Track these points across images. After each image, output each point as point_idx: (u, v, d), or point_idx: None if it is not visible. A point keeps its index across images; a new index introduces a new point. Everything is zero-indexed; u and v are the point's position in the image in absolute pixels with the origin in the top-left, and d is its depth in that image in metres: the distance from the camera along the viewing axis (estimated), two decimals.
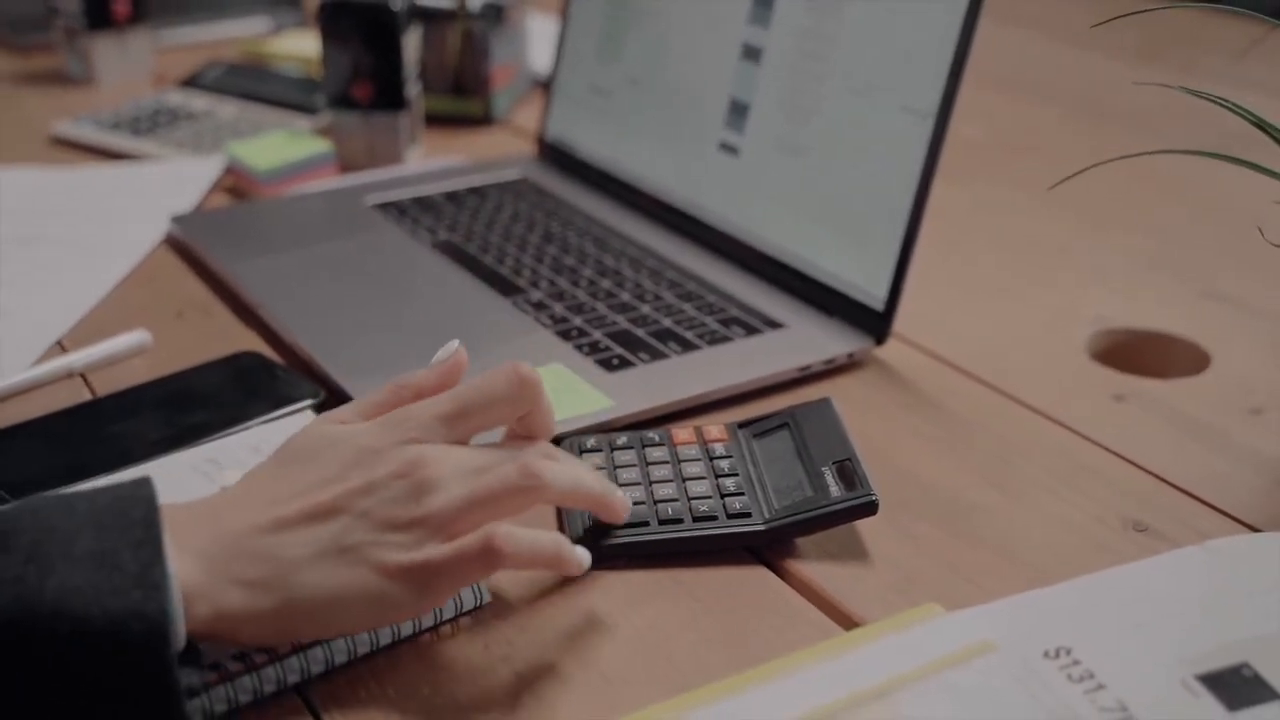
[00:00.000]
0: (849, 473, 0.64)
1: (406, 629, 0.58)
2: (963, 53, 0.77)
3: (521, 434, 0.61)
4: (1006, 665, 0.54)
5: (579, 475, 0.59)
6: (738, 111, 0.93)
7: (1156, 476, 0.72)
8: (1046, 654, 0.54)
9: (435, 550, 0.53)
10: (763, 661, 0.56)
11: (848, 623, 0.60)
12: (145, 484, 0.51)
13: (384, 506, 0.53)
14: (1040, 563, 0.64)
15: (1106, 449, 0.74)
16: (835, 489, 0.64)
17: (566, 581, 0.62)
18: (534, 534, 0.55)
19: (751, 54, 0.92)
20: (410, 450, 0.55)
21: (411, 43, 1.11)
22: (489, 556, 0.53)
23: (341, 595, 0.52)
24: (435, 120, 1.23)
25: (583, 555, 0.57)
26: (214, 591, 0.51)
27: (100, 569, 0.47)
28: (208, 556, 0.51)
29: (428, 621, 0.58)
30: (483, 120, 1.25)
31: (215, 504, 0.55)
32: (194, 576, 0.50)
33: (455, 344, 0.61)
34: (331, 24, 1.09)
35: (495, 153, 1.17)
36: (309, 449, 0.56)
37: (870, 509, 0.63)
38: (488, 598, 0.60)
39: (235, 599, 0.51)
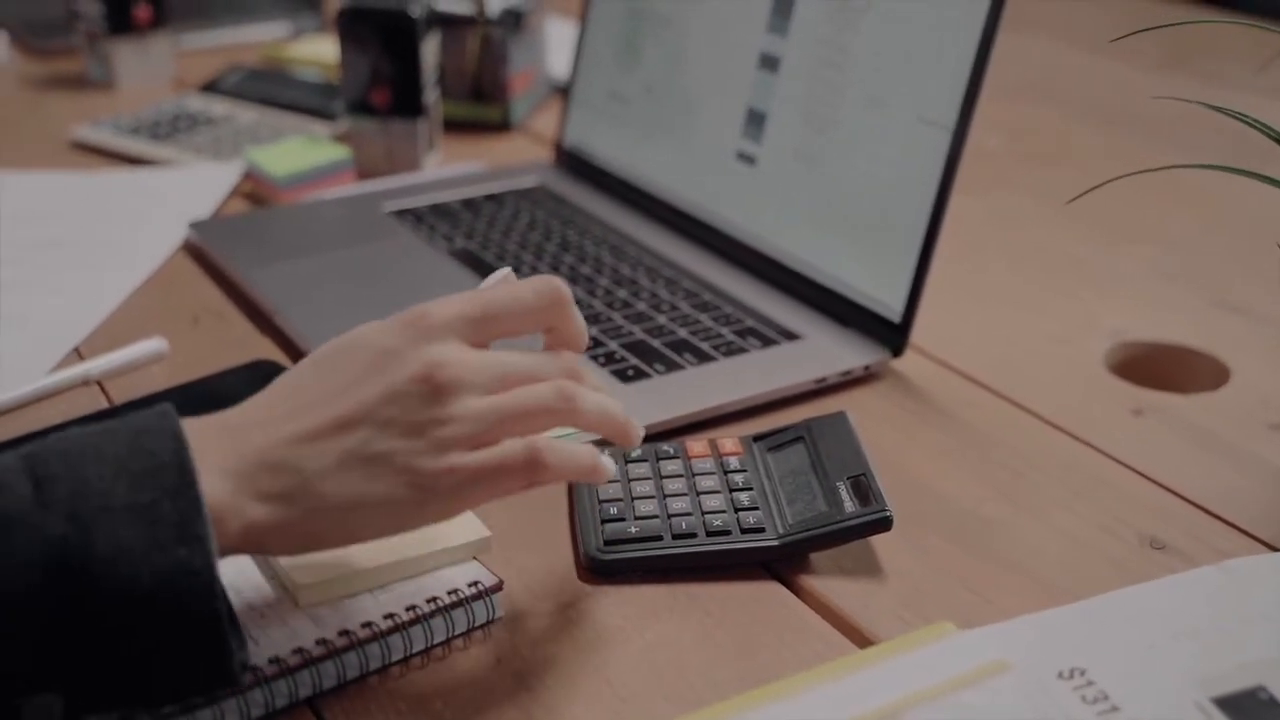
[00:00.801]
0: (864, 488, 0.64)
1: (419, 643, 0.58)
2: (981, 64, 0.77)
3: (552, 348, 0.59)
4: (1020, 686, 0.54)
5: (606, 403, 0.57)
6: (755, 121, 0.93)
7: (1174, 492, 0.71)
8: (1060, 674, 0.54)
9: (470, 457, 0.53)
10: (775, 678, 0.56)
11: (860, 639, 0.60)
12: (168, 415, 0.51)
13: (407, 412, 0.52)
14: (1055, 579, 0.64)
15: (1123, 464, 0.74)
16: (850, 504, 0.63)
17: (579, 596, 0.62)
18: (573, 446, 0.55)
19: (769, 63, 0.92)
20: (431, 351, 0.53)
21: (430, 49, 1.11)
22: (532, 467, 0.53)
23: (368, 503, 0.52)
24: (453, 126, 1.23)
25: (609, 463, 0.57)
26: (241, 507, 0.51)
27: (141, 523, 0.47)
28: (233, 474, 0.51)
29: (440, 635, 0.58)
30: (501, 126, 1.25)
31: (236, 419, 0.54)
32: (220, 495, 0.50)
33: (506, 270, 0.60)
34: (350, 30, 1.09)
35: (513, 159, 1.17)
36: (327, 356, 0.55)
37: (885, 525, 0.63)
38: (499, 612, 0.60)
39: (261, 513, 0.51)
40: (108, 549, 0.47)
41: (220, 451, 0.51)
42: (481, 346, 0.56)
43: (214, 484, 0.50)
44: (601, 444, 0.63)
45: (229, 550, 0.50)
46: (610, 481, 0.66)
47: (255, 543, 0.52)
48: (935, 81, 0.79)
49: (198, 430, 0.51)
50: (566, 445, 0.55)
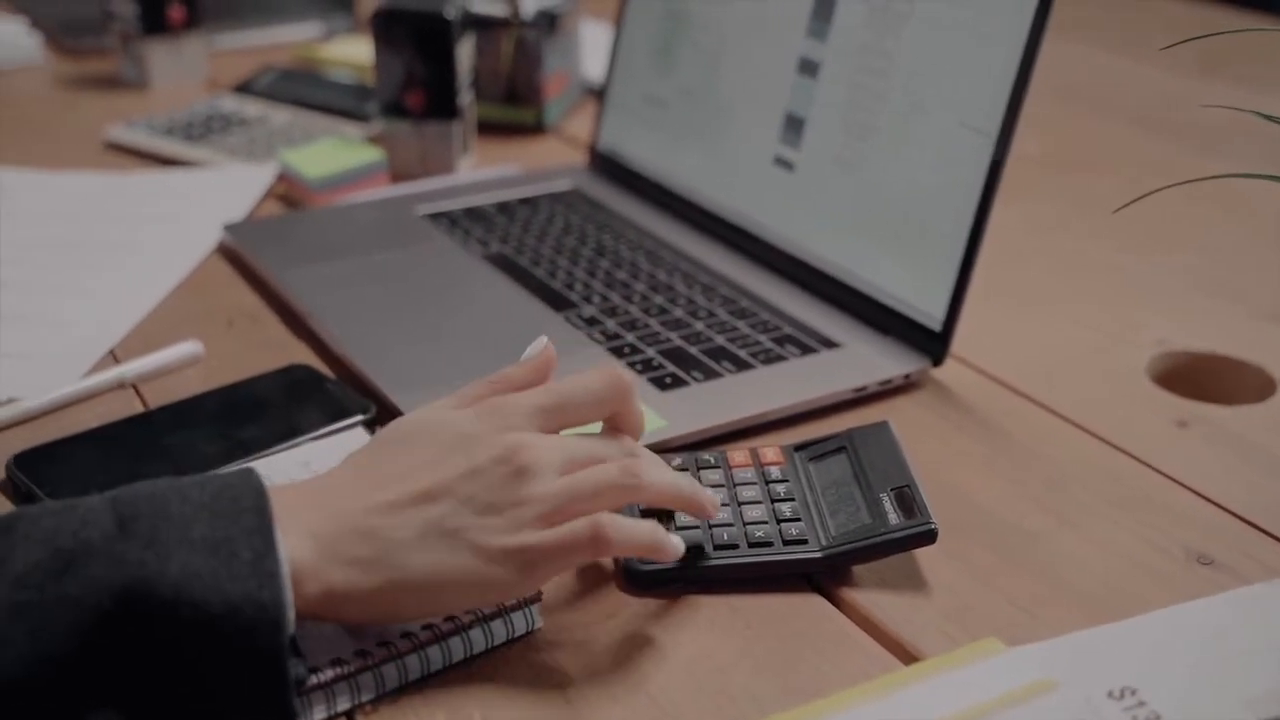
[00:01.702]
0: (908, 500, 0.63)
1: (458, 654, 0.57)
2: (1026, 70, 0.76)
3: (614, 428, 0.63)
4: (1068, 705, 0.53)
5: (674, 477, 0.60)
6: (793, 126, 0.92)
7: (1221, 507, 0.70)
8: (1111, 694, 0.53)
9: (540, 535, 0.55)
10: (818, 693, 0.55)
11: (904, 655, 0.59)
12: (252, 473, 0.53)
13: (487, 491, 0.55)
14: (1100, 594, 0.63)
15: (1169, 477, 0.73)
16: (894, 517, 0.63)
17: (619, 608, 0.61)
18: (634, 522, 0.58)
19: (809, 68, 0.91)
20: (510, 437, 0.57)
21: (465, 51, 1.10)
22: (597, 543, 0.56)
23: (445, 576, 0.54)
24: (486, 128, 1.22)
25: (678, 543, 0.59)
26: (322, 571, 0.53)
27: (216, 555, 0.49)
28: (316, 537, 0.53)
29: (479, 647, 0.58)
30: (534, 129, 1.25)
31: (321, 486, 0.57)
32: (303, 556, 0.52)
33: (544, 340, 0.63)
34: (385, 32, 1.09)
35: (546, 162, 1.16)
36: (409, 434, 0.59)
37: (929, 538, 0.62)
38: (539, 623, 0.59)
39: (342, 578, 0.53)
40: (181, 574, 0.49)
41: (304, 514, 0.54)
42: (552, 433, 0.60)
43: (299, 544, 0.52)
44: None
45: (307, 614, 0.52)
46: None
47: (334, 608, 0.54)
48: (978, 87, 0.78)
49: (287, 493, 0.55)
50: (629, 522, 0.57)
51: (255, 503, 0.52)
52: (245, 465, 0.55)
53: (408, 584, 0.54)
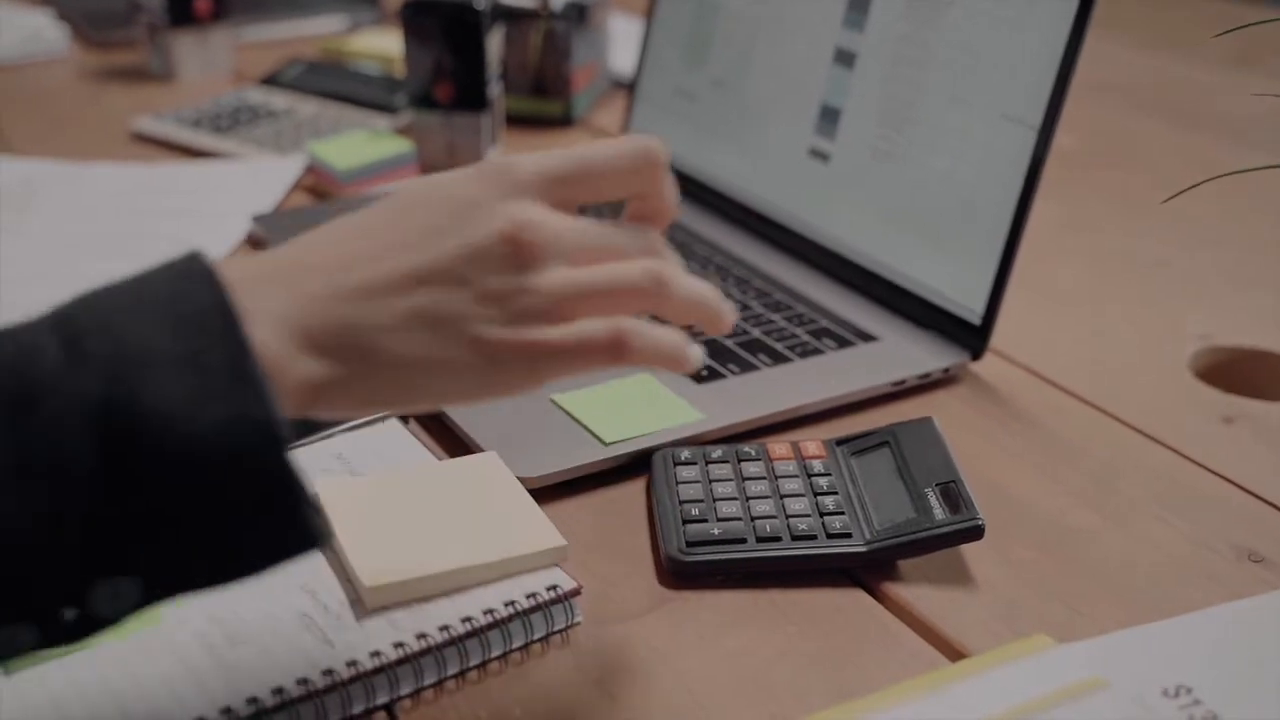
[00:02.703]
0: (954, 495, 0.62)
1: (497, 648, 0.56)
2: (1070, 60, 0.75)
3: (640, 216, 0.54)
4: (1121, 703, 0.52)
5: (700, 285, 0.52)
6: (829, 117, 0.91)
7: (1270, 504, 0.69)
8: (1165, 692, 0.52)
9: (549, 332, 0.48)
10: (863, 690, 0.54)
11: (950, 651, 0.58)
12: (197, 258, 0.45)
13: (487, 274, 0.47)
14: (1148, 591, 0.62)
15: (1216, 473, 0.71)
16: (939, 512, 0.62)
17: (660, 602, 0.60)
18: (662, 332, 0.50)
19: (845, 59, 0.90)
20: (514, 208, 0.48)
21: (494, 42, 1.09)
22: (616, 348, 0.49)
23: (431, 367, 0.47)
24: (514, 120, 1.22)
25: (698, 351, 0.52)
26: (294, 364, 0.45)
27: (188, 374, 0.42)
28: (285, 323, 0.45)
29: (518, 641, 0.57)
30: (562, 121, 1.24)
31: (289, 260, 0.48)
32: (272, 347, 0.45)
33: (650, 141, 0.53)
34: (414, 23, 1.08)
35: None
36: (400, 201, 0.50)
37: (976, 533, 0.61)
38: (579, 617, 0.58)
39: (316, 370, 0.46)
40: (157, 406, 0.41)
41: (270, 297, 0.46)
42: (565, 209, 0.51)
43: (264, 334, 0.44)
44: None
45: (284, 409, 0.44)
46: (690, 482, 0.65)
47: (310, 401, 0.46)
48: (1020, 78, 0.77)
49: (242, 271, 0.46)
50: (654, 328, 0.50)
51: (215, 299, 0.44)
52: (192, 252, 0.46)
53: (389, 374, 0.47)
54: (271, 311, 0.45)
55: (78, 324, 0.43)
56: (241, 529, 0.43)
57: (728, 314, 0.53)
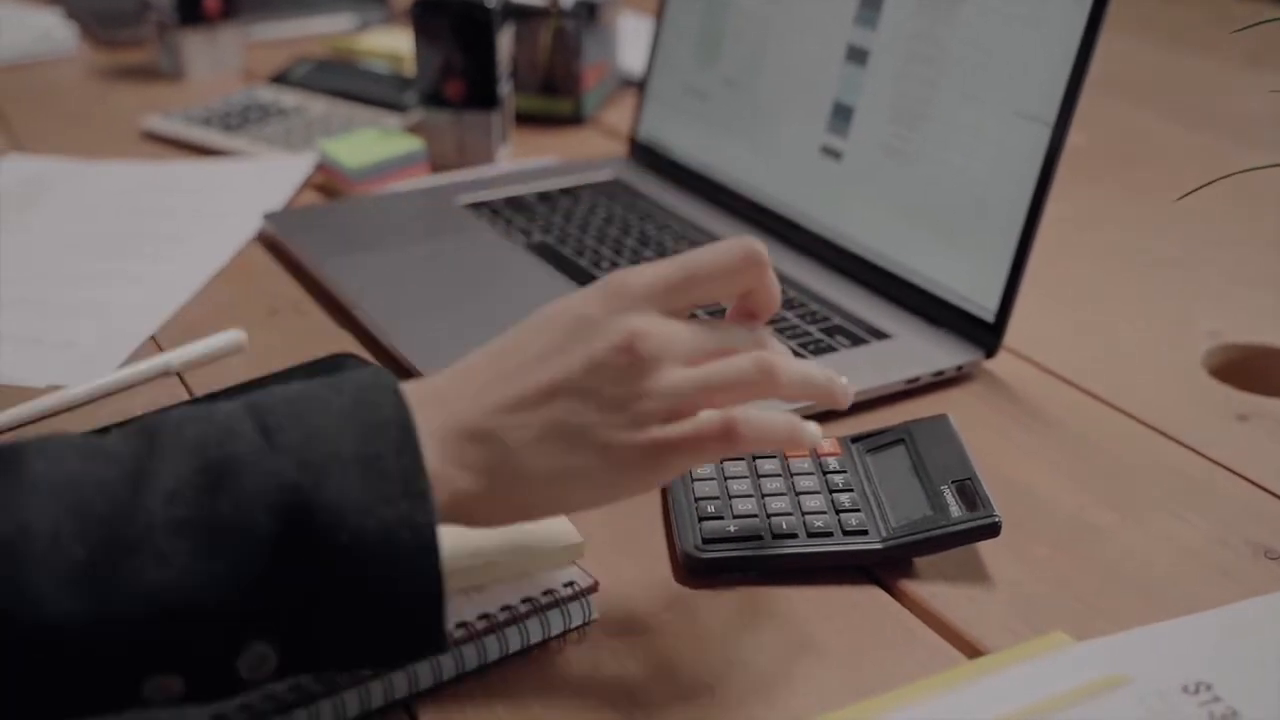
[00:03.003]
0: (970, 492, 0.62)
1: (514, 644, 0.56)
2: (1085, 56, 0.75)
3: (744, 310, 0.58)
4: (1142, 700, 0.52)
5: (807, 370, 0.56)
6: (841, 115, 0.91)
7: None
8: (1185, 689, 0.52)
9: (668, 430, 0.52)
10: (882, 687, 0.54)
11: (968, 649, 0.58)
12: (382, 373, 0.51)
13: (608, 384, 0.52)
14: (1165, 588, 0.62)
15: (1232, 471, 0.71)
16: (956, 509, 0.61)
17: (676, 599, 0.60)
18: (770, 417, 0.54)
19: (857, 56, 0.89)
20: (630, 321, 0.53)
21: (504, 41, 1.09)
22: (729, 438, 0.52)
23: (568, 476, 0.52)
24: (522, 119, 1.22)
25: (815, 430, 0.56)
26: (449, 475, 0.50)
27: (368, 475, 0.48)
28: (441, 441, 0.51)
29: (535, 637, 0.57)
30: (572, 119, 1.24)
31: (442, 386, 0.54)
32: (432, 462, 0.50)
33: (749, 241, 0.56)
34: (424, 21, 1.08)
35: (584, 152, 1.15)
36: (529, 325, 0.55)
37: (993, 531, 0.61)
38: (596, 614, 0.58)
39: (466, 482, 0.51)
40: (336, 498, 0.47)
41: (432, 414, 0.51)
42: (679, 314, 0.55)
43: (426, 450, 0.49)
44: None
45: (440, 519, 0.49)
46: (706, 479, 0.65)
47: (464, 513, 0.51)
48: (1034, 74, 0.77)
49: (415, 391, 0.51)
50: (763, 415, 0.53)
51: (396, 412, 0.49)
52: (378, 368, 0.52)
53: (531, 486, 0.52)
54: (433, 432, 0.51)
55: (274, 415, 0.49)
56: (383, 624, 0.48)
57: (841, 390, 0.57)
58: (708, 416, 0.53)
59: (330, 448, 0.48)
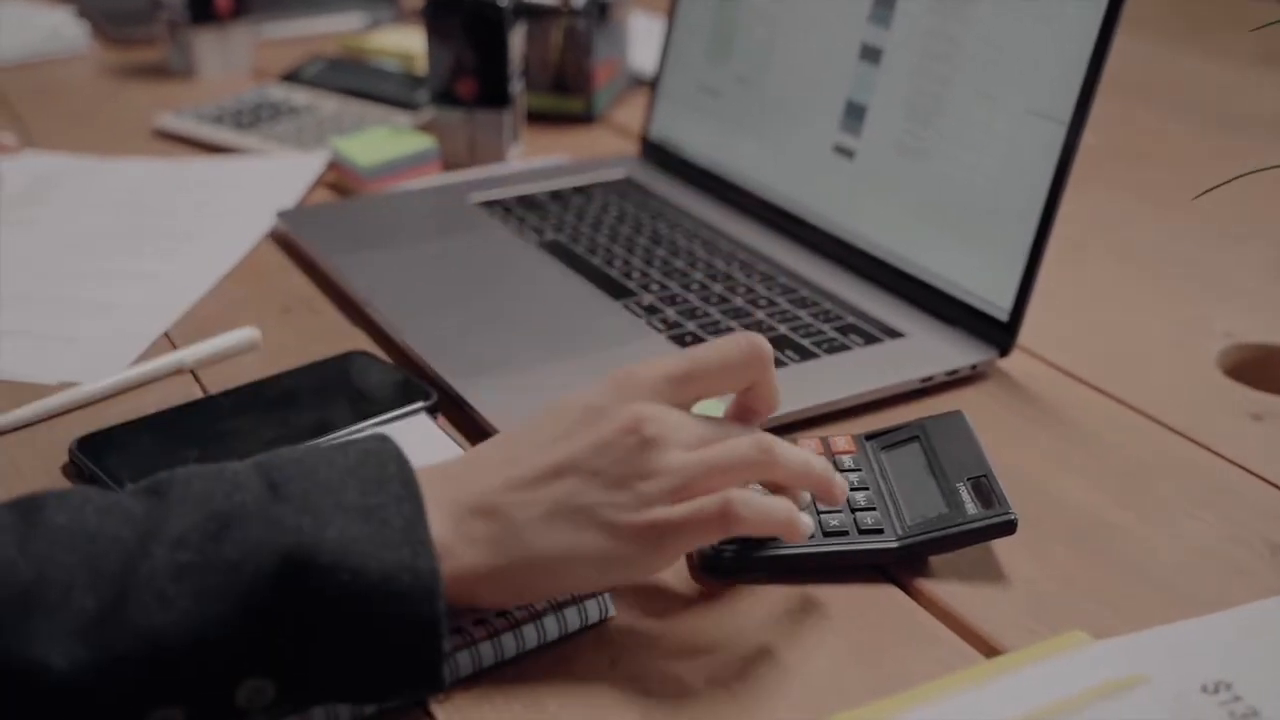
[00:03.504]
0: (985, 490, 0.62)
1: (531, 641, 0.56)
2: (1101, 53, 0.75)
3: (745, 406, 0.60)
4: (1161, 699, 0.51)
5: (807, 455, 0.58)
6: (854, 113, 0.91)
7: None
8: (1204, 688, 0.52)
9: (669, 511, 0.54)
10: (900, 686, 0.54)
11: (985, 647, 0.58)
12: (388, 440, 0.54)
13: (613, 465, 0.54)
14: (1183, 588, 0.62)
15: (1248, 470, 0.71)
16: (971, 507, 0.61)
17: (694, 597, 0.60)
18: (768, 500, 0.55)
19: (870, 54, 0.89)
20: (636, 407, 0.55)
21: (516, 40, 1.09)
22: (726, 520, 0.54)
23: (573, 554, 0.53)
24: (533, 117, 1.22)
25: (809, 522, 0.57)
26: (454, 549, 0.52)
27: (369, 522, 0.50)
28: (449, 514, 0.53)
29: (553, 634, 0.57)
30: (582, 118, 1.24)
31: (451, 467, 0.56)
32: (439, 534, 0.52)
33: (755, 340, 0.59)
34: (437, 20, 1.08)
35: (595, 151, 1.15)
36: (540, 413, 0.57)
37: (1009, 528, 0.61)
38: (612, 611, 0.58)
39: (470, 558, 0.53)
40: (339, 541, 0.49)
41: (439, 492, 0.53)
42: (684, 408, 0.58)
43: (433, 520, 0.52)
44: None
45: (447, 594, 0.51)
46: None
47: (467, 590, 0.53)
48: (1049, 72, 0.77)
49: (420, 472, 0.53)
50: (760, 499, 0.55)
51: (400, 470, 0.52)
52: (376, 432, 0.55)
53: (535, 564, 0.53)
54: (441, 503, 0.53)
55: (281, 471, 0.51)
56: (380, 663, 0.50)
57: (838, 484, 0.58)
58: (707, 499, 0.54)
59: (333, 498, 0.50)
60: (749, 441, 0.56)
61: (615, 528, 0.53)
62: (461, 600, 0.53)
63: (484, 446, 0.57)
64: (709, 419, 0.58)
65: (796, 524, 0.56)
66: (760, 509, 0.55)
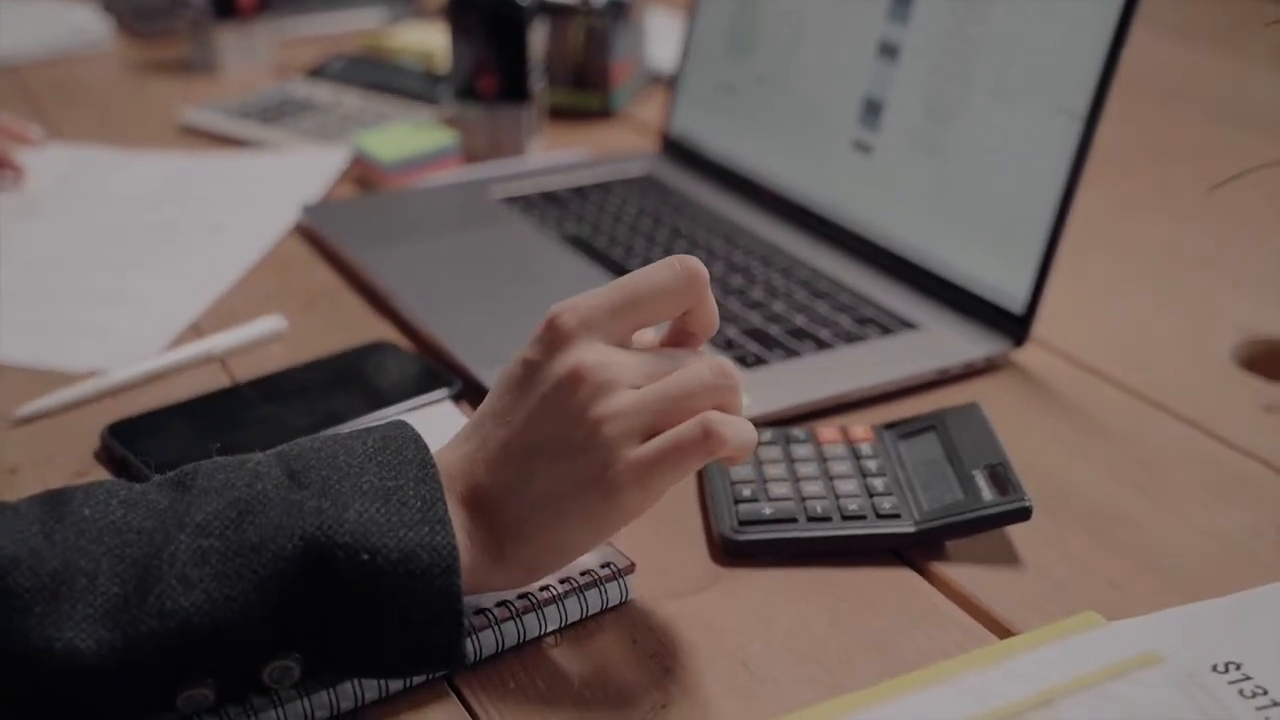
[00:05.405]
0: (1001, 477, 0.63)
1: (553, 622, 0.57)
2: (1116, 51, 0.76)
3: (683, 331, 0.57)
4: (1173, 678, 0.52)
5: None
6: (872, 109, 0.92)
7: None
8: (1215, 668, 0.53)
9: (646, 448, 0.52)
10: (914, 666, 0.55)
11: (999, 629, 0.59)
12: (406, 426, 0.54)
13: (569, 422, 0.52)
14: (1194, 575, 0.63)
15: (1261, 461, 0.72)
16: (988, 493, 0.62)
17: (712, 579, 0.61)
18: (742, 420, 0.54)
19: (889, 51, 0.90)
20: (575, 356, 0.53)
21: (537, 37, 1.11)
22: (710, 441, 0.52)
23: (567, 519, 0.53)
24: (555, 113, 1.23)
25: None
26: (464, 544, 0.53)
27: (388, 503, 0.51)
28: (463, 505, 0.54)
29: (574, 615, 0.58)
30: (601, 114, 1.25)
31: (445, 457, 0.55)
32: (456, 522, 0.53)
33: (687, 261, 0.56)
34: (459, 18, 1.09)
35: (613, 146, 1.16)
36: (497, 384, 0.56)
37: (1024, 514, 0.62)
38: (632, 595, 0.60)
39: (476, 550, 0.53)
40: (358, 521, 0.50)
41: (449, 478, 0.54)
42: (623, 342, 0.55)
43: (451, 506, 0.53)
44: None
45: (463, 584, 0.52)
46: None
47: (481, 580, 0.54)
48: (1066, 69, 0.78)
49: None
50: (737, 419, 0.53)
51: (417, 454, 0.53)
52: (396, 419, 0.56)
53: (534, 541, 0.53)
54: (453, 491, 0.54)
55: (301, 460, 0.52)
56: (403, 640, 0.51)
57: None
58: (684, 424, 0.52)
59: (352, 482, 0.51)
60: (706, 366, 0.54)
61: (597, 488, 0.52)
62: (479, 589, 0.54)
63: (460, 432, 0.57)
64: (649, 351, 0.55)
65: (756, 439, 0.54)
66: (740, 426, 0.53)
